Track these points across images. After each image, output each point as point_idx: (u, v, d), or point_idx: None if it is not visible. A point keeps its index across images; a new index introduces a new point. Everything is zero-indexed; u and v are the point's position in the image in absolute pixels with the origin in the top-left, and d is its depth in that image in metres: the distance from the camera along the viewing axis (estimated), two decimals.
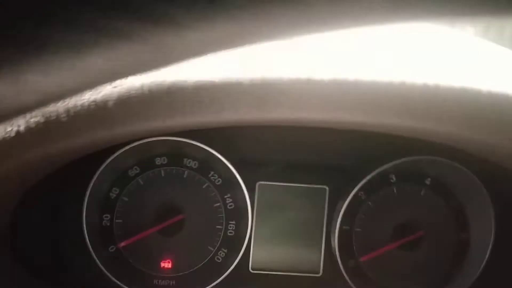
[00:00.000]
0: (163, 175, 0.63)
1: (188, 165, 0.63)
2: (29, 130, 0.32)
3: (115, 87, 0.34)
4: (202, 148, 0.62)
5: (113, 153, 0.59)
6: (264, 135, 0.63)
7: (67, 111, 0.33)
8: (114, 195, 0.63)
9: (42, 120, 0.33)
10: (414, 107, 0.41)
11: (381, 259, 0.65)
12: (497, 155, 0.54)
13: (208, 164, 0.63)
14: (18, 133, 0.32)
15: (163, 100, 0.36)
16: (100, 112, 0.34)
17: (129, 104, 0.34)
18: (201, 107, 0.37)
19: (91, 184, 0.60)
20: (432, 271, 0.65)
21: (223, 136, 0.62)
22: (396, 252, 0.65)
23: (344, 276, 0.64)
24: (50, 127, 0.33)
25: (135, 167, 0.63)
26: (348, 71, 0.39)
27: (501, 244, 0.64)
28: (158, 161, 0.63)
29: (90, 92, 0.33)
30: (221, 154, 0.62)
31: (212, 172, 0.64)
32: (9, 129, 0.32)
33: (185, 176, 0.63)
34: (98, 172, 0.60)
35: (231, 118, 0.40)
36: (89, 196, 0.61)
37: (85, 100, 0.33)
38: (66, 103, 0.33)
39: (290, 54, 0.41)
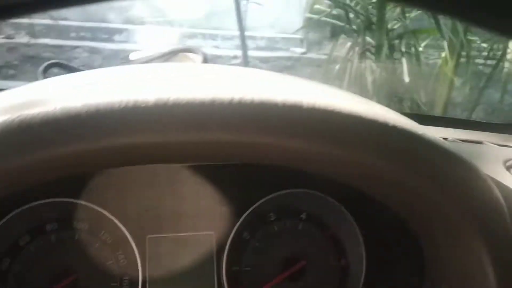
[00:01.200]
0: (54, 240, 0.66)
1: (79, 227, 0.67)
2: None
3: None
4: (92, 208, 0.66)
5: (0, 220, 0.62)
6: (149, 188, 0.68)
7: None
8: (5, 267, 0.64)
9: None
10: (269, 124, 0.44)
11: None
12: (355, 178, 0.61)
13: (98, 225, 0.67)
14: None
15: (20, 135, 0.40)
16: None
17: None
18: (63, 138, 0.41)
19: None
20: None
21: (110, 193, 0.67)
22: (285, 284, 0.70)
23: None
24: None
25: (26, 235, 0.65)
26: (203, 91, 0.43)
27: (372, 265, 0.72)
28: (49, 227, 0.66)
29: None
30: (110, 213, 0.66)
31: (103, 231, 0.67)
32: None
33: (76, 238, 0.66)
34: None
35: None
36: None
37: None
38: None
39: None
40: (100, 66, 0.55)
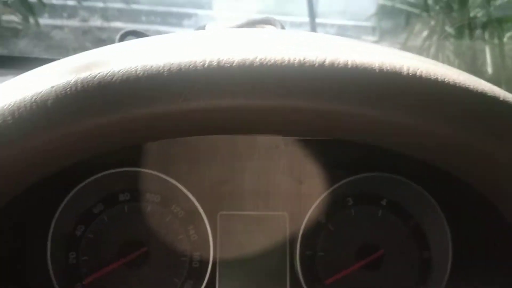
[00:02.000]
0: (126, 210, 0.65)
1: (151, 199, 0.66)
2: None
3: (52, 86, 0.37)
4: (164, 180, 0.65)
5: (74, 188, 0.62)
6: (224, 164, 0.66)
7: (12, 113, 0.36)
8: (80, 233, 0.64)
9: None
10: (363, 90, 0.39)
11: (345, 280, 0.66)
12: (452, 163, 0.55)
13: (170, 198, 0.66)
14: None
15: (105, 94, 0.38)
16: (42, 112, 0.37)
17: (69, 101, 0.37)
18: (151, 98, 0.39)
19: (54, 222, 0.62)
20: None
21: (184, 166, 0.65)
22: (360, 273, 0.66)
23: None
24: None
25: (99, 204, 0.65)
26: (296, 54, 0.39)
27: (460, 259, 0.65)
28: (122, 197, 0.65)
29: (24, 95, 0.36)
30: (184, 186, 0.65)
31: (174, 205, 0.66)
32: None
33: (148, 210, 0.66)
34: (59, 210, 0.62)
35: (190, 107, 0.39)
36: (52, 234, 0.63)
37: (27, 101, 0.36)
38: (10, 105, 0.36)
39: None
40: None
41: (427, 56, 2.72)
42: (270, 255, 0.67)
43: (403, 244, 0.67)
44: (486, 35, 2.49)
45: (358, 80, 0.39)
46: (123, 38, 0.79)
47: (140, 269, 0.65)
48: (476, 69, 2.49)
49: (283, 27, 0.76)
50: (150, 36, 0.83)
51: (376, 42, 3.59)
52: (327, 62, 0.39)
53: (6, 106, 0.37)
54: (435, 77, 0.40)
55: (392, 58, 0.41)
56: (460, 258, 0.66)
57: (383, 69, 0.39)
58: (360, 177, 0.66)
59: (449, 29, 2.67)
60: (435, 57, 2.62)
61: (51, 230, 0.62)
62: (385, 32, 3.57)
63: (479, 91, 0.40)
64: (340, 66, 0.39)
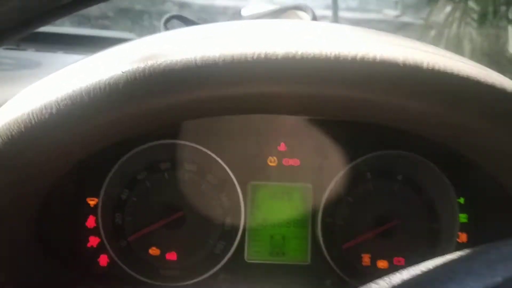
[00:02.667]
0: (167, 178, 0.73)
1: (189, 168, 0.73)
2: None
3: (123, 72, 0.44)
4: (201, 151, 0.72)
5: (122, 157, 0.70)
6: (256, 139, 0.73)
7: (88, 93, 0.43)
8: (125, 197, 0.72)
9: (69, 101, 0.43)
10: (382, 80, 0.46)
11: (361, 246, 0.73)
12: (463, 144, 0.61)
13: (206, 167, 0.73)
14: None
15: (167, 79, 0.44)
16: (114, 94, 0.44)
17: (138, 85, 0.44)
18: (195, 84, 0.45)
19: (104, 187, 0.70)
20: (408, 255, 0.73)
21: (220, 139, 0.72)
22: (374, 240, 0.73)
23: (329, 263, 0.72)
24: (76, 108, 0.44)
25: (143, 171, 0.73)
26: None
27: (468, 231, 0.72)
28: (163, 166, 0.73)
29: (99, 78, 0.44)
30: (219, 157, 0.72)
31: (209, 174, 0.73)
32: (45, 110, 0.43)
33: (186, 178, 0.73)
34: (109, 175, 0.70)
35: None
36: (103, 197, 0.71)
37: (102, 84, 0.44)
38: (86, 85, 0.43)
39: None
40: None
41: (449, 32, 2.71)
42: (295, 222, 0.74)
43: (415, 216, 0.73)
44: (510, 14, 2.48)
45: (384, 72, 0.45)
46: (167, 21, 0.85)
47: (178, 231, 0.72)
48: (497, 48, 2.49)
49: (314, 14, 0.81)
50: (194, 21, 0.90)
51: (398, 16, 3.57)
52: (358, 56, 0.45)
53: (83, 87, 0.44)
54: (450, 71, 0.46)
55: (414, 52, 0.47)
56: (467, 230, 0.72)
57: (406, 63, 0.45)
58: (379, 154, 0.73)
59: (472, 5, 2.66)
60: (457, 34, 2.62)
61: (102, 193, 0.71)
62: (408, 6, 3.55)
63: (485, 82, 0.46)
64: (369, 60, 0.45)
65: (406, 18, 3.40)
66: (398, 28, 3.27)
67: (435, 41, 2.77)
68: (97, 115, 0.46)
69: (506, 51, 2.55)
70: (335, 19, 3.11)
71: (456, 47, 2.71)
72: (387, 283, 0.26)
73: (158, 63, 0.44)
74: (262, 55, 0.44)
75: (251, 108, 0.59)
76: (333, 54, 0.45)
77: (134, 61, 0.45)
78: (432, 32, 2.89)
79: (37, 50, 0.90)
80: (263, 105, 0.55)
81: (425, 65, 0.45)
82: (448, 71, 0.46)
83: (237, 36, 0.51)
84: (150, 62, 0.44)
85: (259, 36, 0.51)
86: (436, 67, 0.46)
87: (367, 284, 0.27)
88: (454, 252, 0.28)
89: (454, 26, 2.73)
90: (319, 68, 0.45)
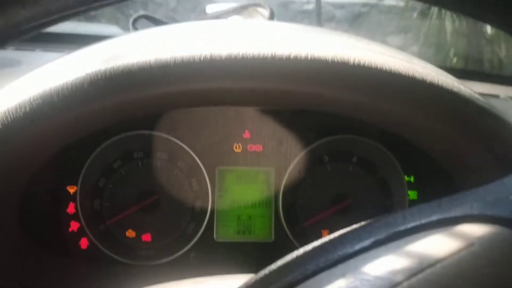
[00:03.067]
0: (140, 166, 0.79)
1: (160, 157, 0.79)
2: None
3: (87, 73, 0.50)
4: (171, 141, 0.78)
5: (98, 148, 0.76)
6: (220, 127, 0.79)
7: (57, 93, 0.50)
8: (102, 184, 0.79)
9: (41, 101, 0.50)
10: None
11: (321, 223, 0.80)
12: (407, 130, 0.68)
13: (176, 155, 0.79)
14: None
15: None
16: (79, 93, 0.50)
17: (100, 84, 0.50)
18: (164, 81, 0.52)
19: (81, 175, 0.77)
20: None
21: (188, 129, 0.79)
22: (333, 217, 0.80)
23: (291, 239, 0.79)
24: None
25: (118, 160, 0.79)
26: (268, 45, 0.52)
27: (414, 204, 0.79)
28: (136, 155, 0.79)
29: (66, 80, 0.50)
30: (187, 145, 0.78)
31: (180, 161, 0.79)
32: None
33: (158, 165, 0.79)
34: (86, 165, 0.77)
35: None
36: (81, 185, 0.77)
37: (69, 84, 0.50)
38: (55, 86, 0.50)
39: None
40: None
41: (431, 13, 2.74)
42: (259, 203, 0.81)
43: (369, 194, 0.80)
44: None
45: (314, 69, 0.52)
46: (136, 21, 0.91)
47: (152, 214, 0.79)
48: (477, 29, 2.54)
49: (272, 11, 0.87)
50: (160, 20, 0.95)
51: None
52: (292, 55, 0.51)
53: (53, 87, 0.51)
54: (374, 65, 0.52)
55: (343, 50, 0.54)
56: (415, 203, 0.79)
57: (334, 60, 0.52)
58: (334, 138, 0.79)
59: None
60: (438, 16, 2.66)
61: (80, 181, 0.77)
62: None
63: (416, 76, 0.53)
64: (301, 58, 0.51)
65: (389, 1, 3.44)
66: (381, 11, 3.31)
67: (417, 24, 2.82)
68: (66, 112, 0.52)
69: (485, 32, 2.60)
70: (318, 4, 3.15)
71: (437, 30, 2.76)
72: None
73: (117, 65, 0.50)
74: (208, 57, 0.50)
75: (212, 101, 0.65)
76: (269, 54, 0.51)
77: (97, 63, 0.51)
78: (415, 14, 2.93)
79: (17, 49, 0.96)
80: (220, 98, 0.62)
81: (351, 61, 0.52)
82: (373, 65, 0.52)
83: (189, 38, 0.57)
84: (110, 64, 0.51)
85: (208, 37, 0.57)
86: (362, 62, 0.52)
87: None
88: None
89: (436, 9, 2.77)
90: (257, 66, 0.51)
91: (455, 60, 2.62)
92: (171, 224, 0.79)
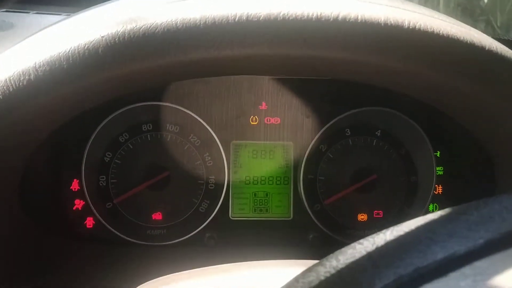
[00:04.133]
0: (149, 139, 0.73)
1: (171, 130, 0.73)
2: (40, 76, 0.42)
3: (102, 36, 0.43)
4: (183, 112, 0.72)
5: (103, 120, 0.70)
6: (238, 100, 0.73)
7: (67, 59, 0.43)
8: (108, 159, 0.72)
9: (47, 67, 0.43)
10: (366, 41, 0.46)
11: (342, 201, 0.75)
12: (440, 101, 0.62)
13: (188, 128, 0.73)
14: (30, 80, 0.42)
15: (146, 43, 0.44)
16: (93, 59, 0.43)
17: (117, 49, 0.44)
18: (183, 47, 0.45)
19: (86, 150, 0.70)
20: (386, 208, 0.76)
21: (202, 100, 0.73)
22: (355, 194, 0.75)
23: (311, 218, 0.75)
24: (55, 73, 0.43)
25: (125, 133, 0.72)
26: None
27: (443, 183, 0.76)
28: (144, 127, 0.73)
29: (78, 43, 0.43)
30: (201, 118, 0.72)
31: (192, 135, 0.73)
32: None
33: (168, 139, 0.73)
34: (91, 139, 0.70)
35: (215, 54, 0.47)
36: (85, 160, 0.71)
37: (81, 49, 0.43)
38: (65, 50, 0.43)
39: None
40: None
41: None
42: (277, 179, 0.76)
43: (394, 169, 0.76)
44: None
45: (366, 33, 0.45)
46: None
47: (162, 191, 0.73)
48: None
49: None
50: None
51: None
52: (340, 16, 0.45)
53: (62, 53, 0.44)
54: (431, 29, 0.46)
55: (395, 11, 0.48)
56: (442, 182, 0.75)
57: (387, 23, 0.46)
58: (358, 111, 0.74)
59: None
60: None
61: (85, 157, 0.70)
62: None
63: (464, 40, 0.47)
64: (351, 20, 0.45)
65: None
66: None
67: None
68: (77, 81, 0.45)
69: (480, 1, 2.55)
70: None
71: None
72: (371, 243, 0.27)
73: (138, 26, 0.43)
74: (244, 17, 0.44)
75: (232, 70, 0.59)
76: (314, 15, 0.45)
77: (113, 25, 0.44)
78: None
79: (8, 11, 0.87)
80: (244, 66, 0.55)
81: (406, 24, 0.46)
82: (429, 29, 0.46)
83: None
84: (129, 26, 0.44)
85: None
86: (417, 26, 0.46)
87: (352, 244, 0.28)
88: (435, 212, 0.29)
89: None
90: (301, 29, 0.45)
91: None
92: (184, 201, 0.74)
